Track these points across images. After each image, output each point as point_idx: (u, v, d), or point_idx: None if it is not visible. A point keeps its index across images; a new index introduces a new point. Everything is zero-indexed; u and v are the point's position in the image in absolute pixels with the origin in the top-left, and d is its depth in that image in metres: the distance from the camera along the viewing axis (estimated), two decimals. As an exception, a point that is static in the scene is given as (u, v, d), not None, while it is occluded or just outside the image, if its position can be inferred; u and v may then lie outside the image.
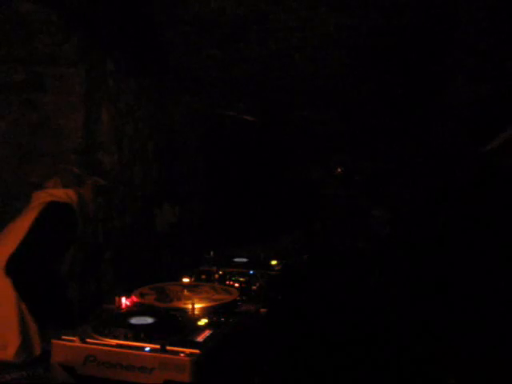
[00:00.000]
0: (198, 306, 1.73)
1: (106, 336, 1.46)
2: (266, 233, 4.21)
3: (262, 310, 1.86)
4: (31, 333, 2.02)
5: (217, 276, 2.29)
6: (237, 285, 2.17)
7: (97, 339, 1.45)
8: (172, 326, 1.59)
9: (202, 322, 1.63)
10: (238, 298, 1.92)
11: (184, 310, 1.72)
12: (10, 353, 1.95)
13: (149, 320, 1.61)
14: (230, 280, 2.24)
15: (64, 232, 2.23)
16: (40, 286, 2.05)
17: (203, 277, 2.27)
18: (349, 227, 4.81)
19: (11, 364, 1.83)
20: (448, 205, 4.18)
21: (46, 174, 3.16)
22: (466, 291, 3.52)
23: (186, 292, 1.94)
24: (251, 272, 2.39)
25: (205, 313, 1.71)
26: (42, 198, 2.30)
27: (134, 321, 1.61)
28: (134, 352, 1.40)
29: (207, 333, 1.53)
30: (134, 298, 1.83)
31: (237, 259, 2.71)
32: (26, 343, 1.99)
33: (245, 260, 2.70)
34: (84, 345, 1.43)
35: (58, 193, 2.33)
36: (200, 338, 1.48)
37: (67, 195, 2.33)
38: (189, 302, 1.77)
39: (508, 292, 3.06)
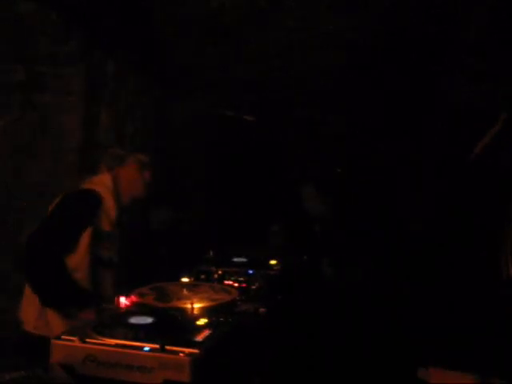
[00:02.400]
0: (197, 305, 1.73)
1: (106, 336, 1.47)
2: (265, 233, 4.20)
3: (262, 309, 1.86)
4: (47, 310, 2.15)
5: (216, 276, 2.29)
6: (236, 284, 2.17)
7: (96, 339, 1.45)
8: (171, 326, 1.60)
9: (202, 321, 1.63)
10: (238, 298, 1.92)
11: (183, 310, 1.72)
12: (31, 326, 2.18)
13: (148, 320, 1.61)
14: (229, 280, 2.25)
15: (74, 218, 2.24)
16: (44, 270, 2.11)
17: (202, 276, 2.27)
18: (349, 227, 4.82)
19: (11, 364, 1.83)
20: (447, 206, 4.18)
21: (47, 173, 3.17)
22: (458, 291, 3.53)
23: (185, 292, 1.94)
24: (250, 272, 2.40)
25: (204, 312, 1.71)
26: (82, 185, 2.39)
27: (134, 320, 1.61)
28: (133, 352, 1.40)
29: (206, 332, 1.53)
30: (134, 298, 1.84)
31: (236, 259, 2.71)
32: (43, 318, 2.15)
33: (244, 260, 2.70)
34: (83, 344, 1.43)
35: (96, 179, 2.42)
36: (199, 338, 1.48)
37: (101, 180, 2.40)
38: (188, 301, 1.77)
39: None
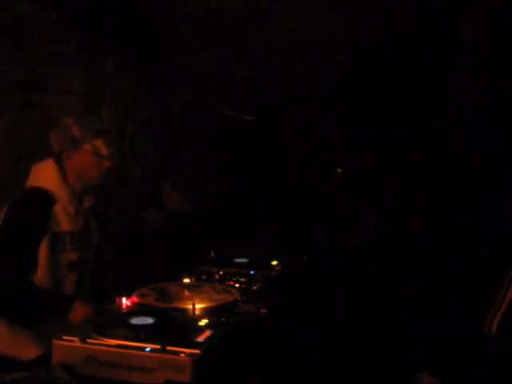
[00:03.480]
0: (198, 306, 1.73)
1: (107, 336, 1.46)
2: (265, 233, 4.21)
3: (263, 310, 1.86)
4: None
5: (217, 276, 2.28)
6: (237, 285, 2.16)
7: (97, 339, 1.45)
8: (172, 326, 1.59)
9: (203, 322, 1.63)
10: (239, 299, 1.92)
11: (184, 310, 1.72)
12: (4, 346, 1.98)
13: (149, 320, 1.61)
14: (230, 280, 2.24)
15: (27, 230, 1.98)
16: (13, 299, 1.95)
17: (203, 277, 2.27)
18: (348, 227, 4.82)
19: (12, 364, 1.83)
20: (447, 206, 4.19)
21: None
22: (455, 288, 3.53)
23: (186, 292, 1.94)
24: (251, 272, 2.39)
25: (205, 313, 1.71)
26: (29, 177, 2.12)
27: (135, 321, 1.61)
28: (134, 352, 1.40)
29: (207, 333, 1.53)
30: (135, 299, 1.83)
31: (237, 259, 2.70)
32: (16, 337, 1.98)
33: (245, 260, 2.70)
34: (84, 345, 1.43)
35: (41, 171, 2.13)
36: (200, 338, 1.48)
37: (47, 171, 2.11)
38: (189, 302, 1.77)
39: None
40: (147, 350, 1.40)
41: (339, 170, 4.97)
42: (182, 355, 1.36)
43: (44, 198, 2.05)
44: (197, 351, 1.38)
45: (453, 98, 4.19)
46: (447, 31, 3.56)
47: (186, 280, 2.19)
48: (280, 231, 4.45)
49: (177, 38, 3.78)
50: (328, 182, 4.99)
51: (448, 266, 3.80)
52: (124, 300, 1.78)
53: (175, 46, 3.91)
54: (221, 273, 2.32)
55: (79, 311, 1.93)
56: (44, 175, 2.13)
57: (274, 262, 2.66)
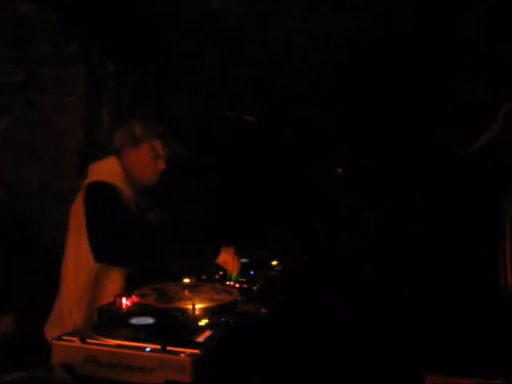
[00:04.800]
0: (198, 306, 1.73)
1: (107, 336, 1.46)
2: (265, 233, 4.20)
3: (263, 310, 1.86)
4: None
5: (217, 276, 2.29)
6: (237, 285, 2.17)
7: (97, 339, 1.45)
8: (172, 327, 1.60)
9: (203, 322, 1.63)
10: (239, 299, 1.92)
11: (184, 311, 1.72)
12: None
13: (149, 320, 1.61)
14: (230, 280, 2.25)
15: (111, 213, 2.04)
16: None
17: (203, 277, 2.27)
18: (348, 227, 4.82)
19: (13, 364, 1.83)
20: (447, 206, 4.19)
21: (47, 173, 3.17)
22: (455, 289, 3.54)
23: (186, 292, 1.94)
24: (251, 272, 2.40)
25: (205, 313, 1.71)
26: (89, 174, 2.16)
27: (135, 321, 1.61)
28: (134, 352, 1.40)
29: (207, 333, 1.53)
30: (135, 298, 1.83)
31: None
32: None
33: (245, 260, 2.70)
34: (84, 345, 1.43)
35: (99, 167, 2.18)
36: (200, 339, 1.48)
37: (109, 168, 2.16)
38: (189, 302, 1.77)
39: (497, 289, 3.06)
40: (147, 350, 1.40)
41: (339, 170, 4.97)
42: (182, 355, 1.36)
43: (109, 187, 2.09)
44: (197, 351, 1.38)
45: (453, 98, 4.19)
46: (447, 31, 3.56)
47: (186, 280, 2.19)
48: (288, 231, 4.45)
49: (177, 38, 3.77)
50: (328, 182, 4.99)
51: (448, 266, 3.80)
52: (124, 300, 1.79)
53: (175, 46, 3.90)
54: (221, 273, 2.32)
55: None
56: (105, 170, 2.17)
57: (275, 263, 2.67)
